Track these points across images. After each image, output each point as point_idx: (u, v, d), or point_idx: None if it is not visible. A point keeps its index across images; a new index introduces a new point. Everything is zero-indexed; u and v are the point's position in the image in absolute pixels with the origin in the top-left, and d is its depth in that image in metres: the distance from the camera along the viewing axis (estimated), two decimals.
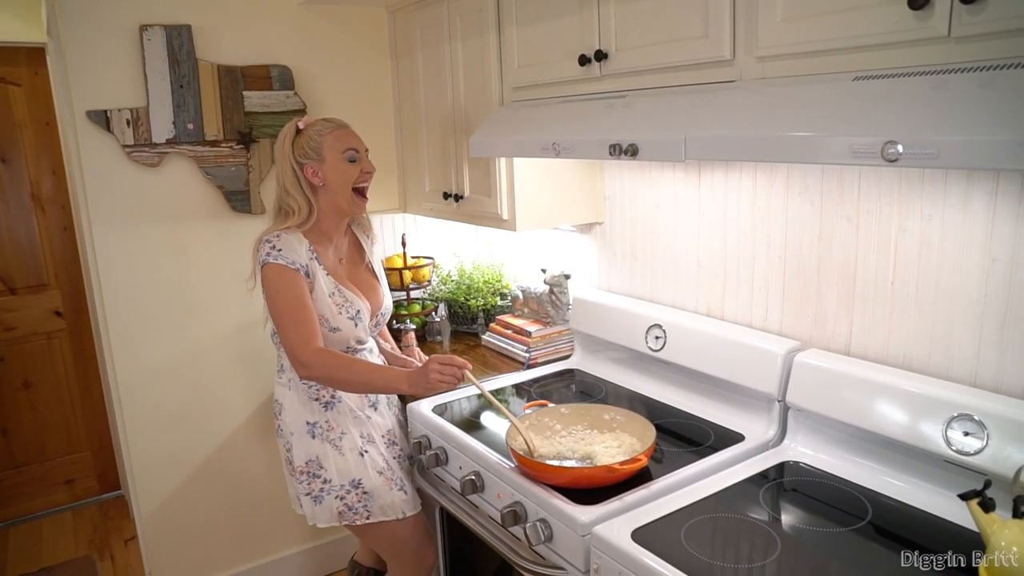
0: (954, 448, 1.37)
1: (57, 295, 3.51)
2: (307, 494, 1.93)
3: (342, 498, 1.91)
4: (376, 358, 2.06)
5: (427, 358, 2.08)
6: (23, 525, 3.52)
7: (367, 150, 1.95)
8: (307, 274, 1.85)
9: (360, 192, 1.93)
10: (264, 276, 1.83)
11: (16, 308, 3.42)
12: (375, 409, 2.02)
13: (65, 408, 3.60)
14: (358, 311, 1.93)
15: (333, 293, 1.90)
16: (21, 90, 3.29)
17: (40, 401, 3.54)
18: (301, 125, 1.89)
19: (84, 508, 3.66)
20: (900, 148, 1.05)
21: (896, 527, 1.39)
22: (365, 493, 1.92)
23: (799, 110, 1.27)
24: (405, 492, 1.99)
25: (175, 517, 2.64)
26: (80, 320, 3.54)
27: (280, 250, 1.82)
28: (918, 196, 1.53)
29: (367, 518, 1.92)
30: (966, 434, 1.35)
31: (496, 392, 2.19)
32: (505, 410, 1.78)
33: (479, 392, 2.17)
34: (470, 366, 1.77)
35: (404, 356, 2.23)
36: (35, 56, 3.26)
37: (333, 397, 1.93)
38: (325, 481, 1.91)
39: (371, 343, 2.06)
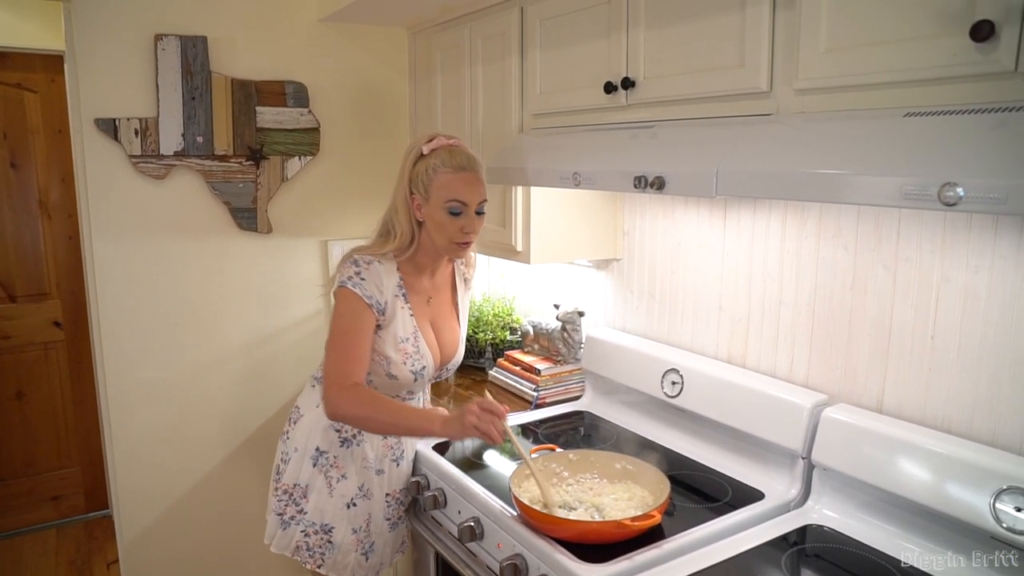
0: (1005, 525, 1.24)
1: (57, 305, 3.44)
2: (278, 513, 1.83)
3: (307, 534, 1.80)
4: (417, 404, 1.93)
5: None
6: (4, 541, 3.40)
7: (482, 202, 1.73)
8: (383, 312, 1.72)
9: (461, 243, 1.74)
10: (336, 296, 1.73)
11: (14, 316, 3.35)
12: (397, 465, 1.87)
13: (57, 421, 3.51)
14: (423, 367, 1.79)
15: (407, 340, 1.76)
16: (37, 97, 3.26)
17: (32, 413, 3.44)
18: (425, 150, 1.72)
19: (69, 526, 3.55)
20: (960, 191, 0.95)
21: None
22: (329, 542, 1.80)
23: (844, 147, 1.17)
24: (367, 558, 1.85)
25: (158, 545, 2.51)
26: (79, 332, 3.46)
27: (364, 280, 1.70)
28: (964, 244, 1.42)
29: (318, 566, 1.81)
30: (1018, 509, 1.23)
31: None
32: (534, 469, 1.58)
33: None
34: (508, 410, 1.57)
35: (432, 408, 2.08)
36: (52, 63, 3.23)
37: (354, 437, 1.81)
38: (301, 511, 1.81)
39: (422, 392, 1.94)
